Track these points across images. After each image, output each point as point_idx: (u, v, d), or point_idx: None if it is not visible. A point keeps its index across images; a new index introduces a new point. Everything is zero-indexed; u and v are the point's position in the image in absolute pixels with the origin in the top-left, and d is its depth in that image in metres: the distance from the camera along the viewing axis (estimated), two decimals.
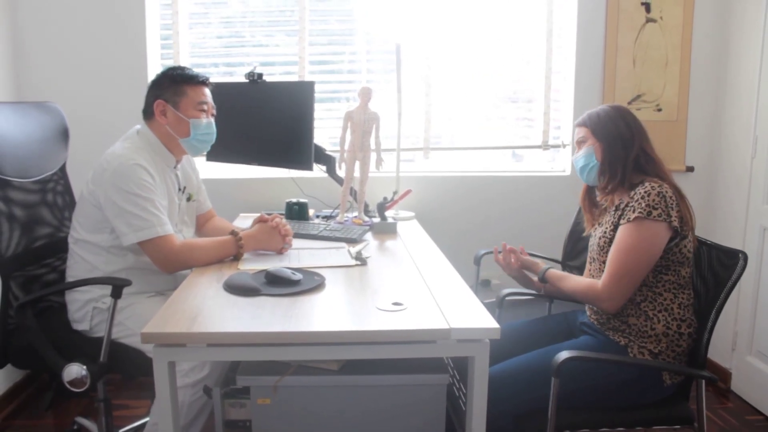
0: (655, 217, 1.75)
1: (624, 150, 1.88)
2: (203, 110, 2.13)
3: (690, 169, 3.19)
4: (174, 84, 2.10)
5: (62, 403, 2.87)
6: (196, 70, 2.15)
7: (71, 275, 2.09)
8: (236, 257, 2.03)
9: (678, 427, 1.83)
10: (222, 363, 1.91)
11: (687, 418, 1.82)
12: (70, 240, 2.09)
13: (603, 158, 1.91)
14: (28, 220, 2.12)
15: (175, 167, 2.20)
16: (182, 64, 3.10)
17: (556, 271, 2.02)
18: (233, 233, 2.06)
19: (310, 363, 1.64)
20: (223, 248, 2.02)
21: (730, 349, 2.99)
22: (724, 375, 3.02)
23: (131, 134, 2.11)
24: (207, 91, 2.17)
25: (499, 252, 2.15)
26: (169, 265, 1.97)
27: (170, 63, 3.14)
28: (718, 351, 3.06)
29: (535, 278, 2.11)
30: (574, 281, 1.95)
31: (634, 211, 1.78)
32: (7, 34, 2.95)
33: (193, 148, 2.17)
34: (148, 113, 2.13)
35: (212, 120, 2.18)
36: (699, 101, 3.17)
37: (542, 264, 2.11)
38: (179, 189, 2.21)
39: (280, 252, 2.14)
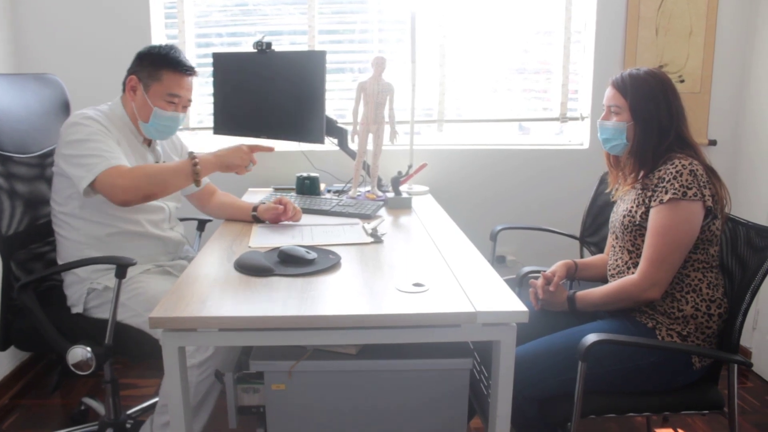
0: (690, 197, 1.67)
1: (659, 137, 1.79)
2: (172, 102, 2.02)
3: (712, 142, 3.09)
4: (153, 66, 2.01)
5: (69, 382, 2.82)
6: (183, 58, 2.04)
7: (61, 257, 2.02)
8: (196, 183, 1.92)
9: (706, 412, 1.76)
10: (234, 347, 1.84)
11: (716, 403, 1.75)
12: (53, 224, 2.02)
13: (635, 141, 1.82)
14: (30, 197, 2.05)
15: (150, 145, 2.12)
16: (185, 37, 3.03)
17: (581, 292, 1.85)
18: (190, 154, 1.95)
19: (327, 347, 1.56)
20: (177, 171, 1.91)
21: (751, 327, 2.92)
22: (745, 354, 2.95)
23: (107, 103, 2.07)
24: (187, 81, 2.05)
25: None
26: (122, 192, 1.82)
27: (174, 33, 3.05)
28: None
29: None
30: (603, 290, 1.82)
31: (666, 192, 1.69)
32: (3, 4, 2.84)
33: (149, 133, 2.07)
34: (124, 86, 2.07)
35: (179, 115, 2.06)
36: (723, 72, 3.06)
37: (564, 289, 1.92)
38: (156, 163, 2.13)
39: (241, 172, 2.03)
